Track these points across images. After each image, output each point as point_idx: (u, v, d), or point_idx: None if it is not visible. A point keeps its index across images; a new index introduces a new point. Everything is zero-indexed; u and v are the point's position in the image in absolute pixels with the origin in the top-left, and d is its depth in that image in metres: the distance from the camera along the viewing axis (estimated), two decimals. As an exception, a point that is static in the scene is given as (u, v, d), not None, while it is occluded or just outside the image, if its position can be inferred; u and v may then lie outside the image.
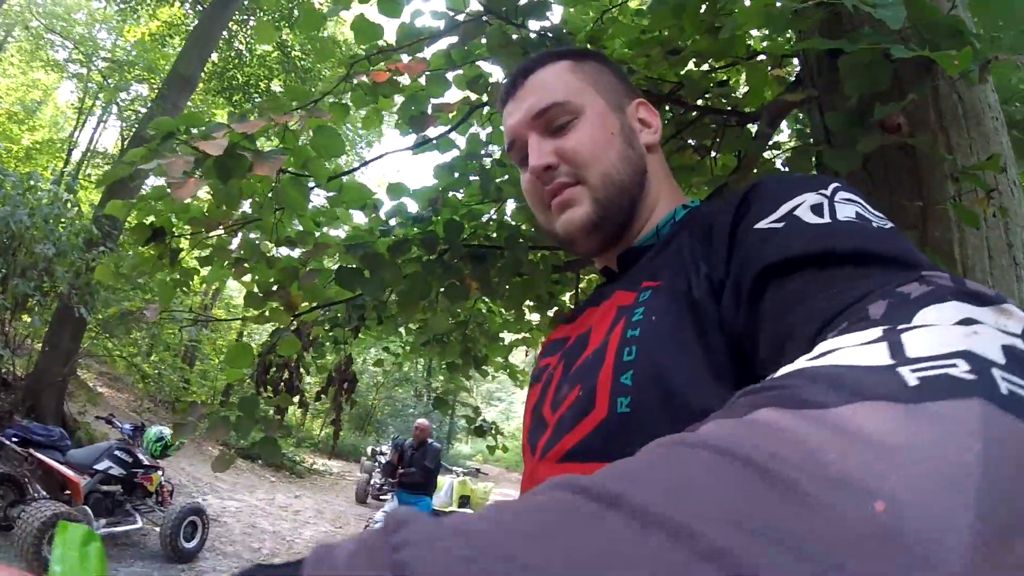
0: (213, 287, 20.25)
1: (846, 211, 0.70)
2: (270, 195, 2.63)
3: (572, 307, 4.19)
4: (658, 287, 0.87)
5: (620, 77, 1.11)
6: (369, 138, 24.33)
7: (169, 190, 1.85)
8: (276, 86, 17.19)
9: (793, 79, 2.81)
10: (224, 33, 14.81)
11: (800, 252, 0.67)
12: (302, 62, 16.68)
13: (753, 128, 3.00)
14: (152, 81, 15.79)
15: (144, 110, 14.51)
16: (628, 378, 0.80)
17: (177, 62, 12.43)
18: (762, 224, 0.75)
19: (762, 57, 3.07)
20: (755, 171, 3.06)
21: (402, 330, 5.18)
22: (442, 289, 3.03)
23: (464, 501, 10.39)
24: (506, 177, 3.10)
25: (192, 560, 7.70)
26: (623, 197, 1.00)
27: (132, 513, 7.41)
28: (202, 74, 13.34)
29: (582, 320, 1.06)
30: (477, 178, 3.18)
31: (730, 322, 0.75)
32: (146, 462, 7.61)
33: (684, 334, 0.79)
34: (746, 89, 3.10)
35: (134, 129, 14.28)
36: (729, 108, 3.02)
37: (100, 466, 7.11)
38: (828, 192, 0.75)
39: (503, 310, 4.53)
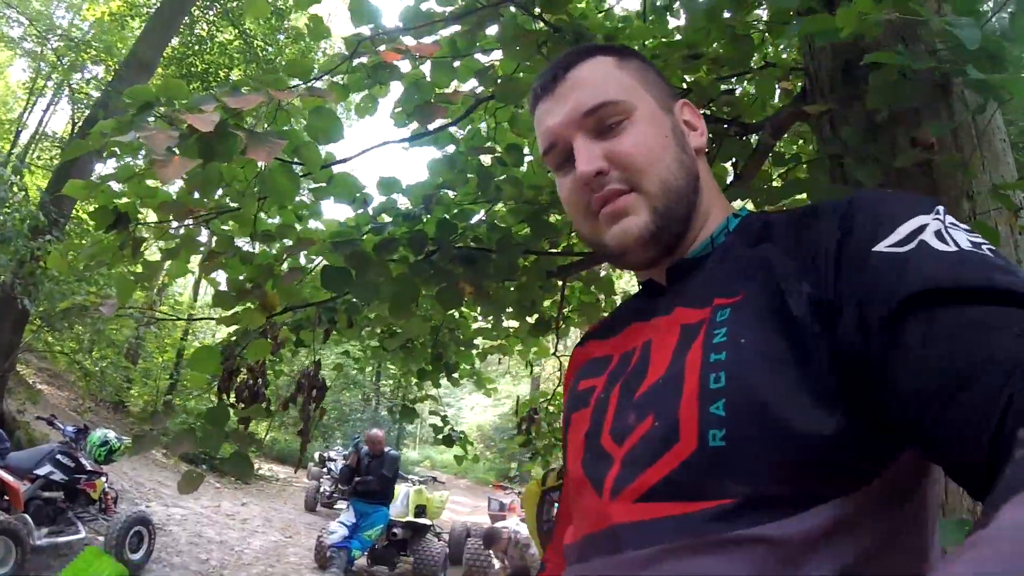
0: (159, 282, 19.71)
1: (961, 238, 0.70)
2: (253, 182, 2.40)
3: (553, 315, 4.06)
4: (738, 304, 0.81)
5: (662, 76, 1.04)
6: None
7: (153, 168, 1.62)
8: (235, 76, 16.81)
9: (798, 93, 2.76)
10: (186, 18, 14.44)
11: (942, 284, 0.65)
12: (263, 52, 16.34)
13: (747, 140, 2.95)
14: (109, 63, 15.25)
15: (98, 94, 14.02)
16: (719, 408, 0.74)
17: (136, 45, 12.04)
18: (883, 247, 0.72)
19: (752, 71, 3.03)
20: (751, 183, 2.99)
21: (363, 333, 5.01)
22: (431, 293, 2.86)
23: (420, 510, 10.14)
24: (503, 176, 2.92)
25: (138, 572, 7.34)
26: (681, 205, 0.93)
27: (75, 522, 7.00)
28: (160, 59, 12.93)
29: (625, 337, 1.00)
30: (472, 176, 2.99)
31: (848, 347, 0.70)
32: (89, 468, 7.21)
33: (779, 357, 0.74)
34: (754, 99, 3.04)
35: (86, 113, 13.79)
36: (730, 118, 2.95)
37: (41, 471, 6.70)
38: (941, 216, 0.73)
39: (480, 316, 4.38)
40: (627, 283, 8.32)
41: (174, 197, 2.56)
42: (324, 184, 2.66)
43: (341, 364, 7.52)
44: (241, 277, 2.77)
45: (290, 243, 2.76)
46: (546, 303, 4.04)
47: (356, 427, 24.07)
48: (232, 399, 3.39)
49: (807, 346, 0.73)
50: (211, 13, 16.77)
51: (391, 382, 26.52)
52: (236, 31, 16.75)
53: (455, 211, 2.99)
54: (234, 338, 3.44)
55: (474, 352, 4.89)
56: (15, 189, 9.99)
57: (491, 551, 8.80)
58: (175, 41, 14.97)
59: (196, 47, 16.67)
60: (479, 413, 34.75)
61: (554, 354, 5.04)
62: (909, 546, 0.75)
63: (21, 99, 20.46)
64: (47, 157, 18.33)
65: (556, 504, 4.26)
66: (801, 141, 3.70)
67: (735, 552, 0.69)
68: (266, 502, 14.25)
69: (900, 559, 0.72)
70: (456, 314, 4.70)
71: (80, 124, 13.74)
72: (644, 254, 0.94)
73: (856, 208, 0.78)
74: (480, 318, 4.69)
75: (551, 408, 5.78)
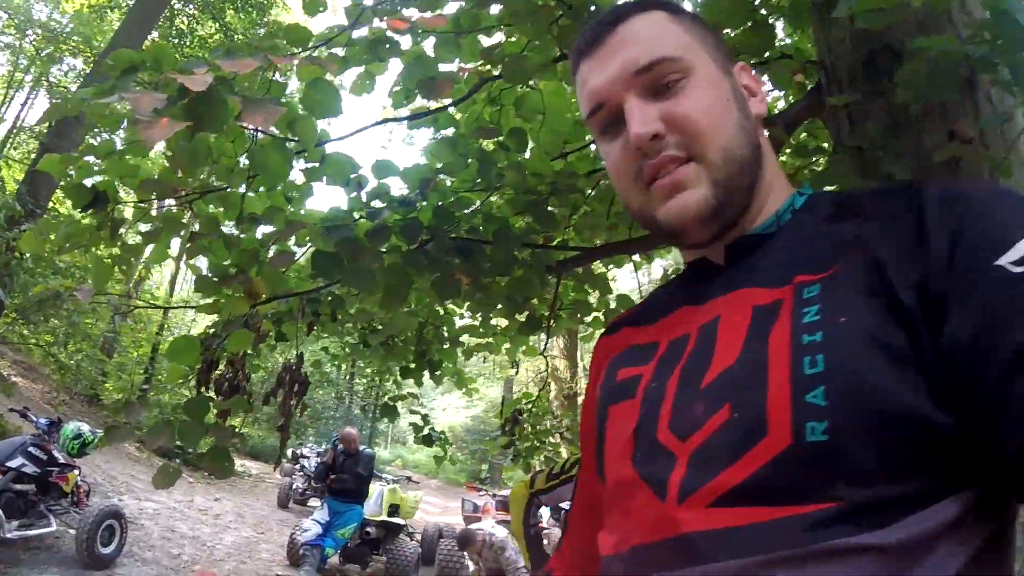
0: (135, 275, 19.49)
1: None
2: (243, 159, 2.25)
3: (544, 313, 3.94)
4: (829, 281, 0.71)
5: (718, 35, 0.94)
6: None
7: (137, 130, 1.48)
8: (213, 72, 16.70)
9: (812, 87, 2.69)
10: (166, 11, 14.34)
11: None
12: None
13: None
14: (87, 54, 15.03)
15: (75, 87, 13.82)
16: (819, 396, 0.64)
17: (115, 37, 11.94)
18: (1005, 263, 0.63)
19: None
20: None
21: (343, 328, 4.90)
22: (424, 285, 2.73)
23: (394, 510, 10.02)
24: (505, 163, 2.79)
25: (109, 566, 7.17)
26: (744, 177, 0.83)
27: (46, 515, 6.87)
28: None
29: (673, 321, 0.89)
30: (472, 161, 2.84)
31: (952, 354, 0.63)
32: (62, 460, 7.07)
33: (887, 340, 0.64)
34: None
35: (64, 104, 13.60)
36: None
37: (13, 463, 6.55)
38: None
39: (468, 311, 4.26)
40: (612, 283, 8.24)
41: (156, 176, 2.41)
42: (316, 164, 2.51)
43: (320, 360, 7.40)
44: (226, 263, 2.61)
45: (277, 228, 2.61)
46: (535, 300, 3.92)
47: (330, 425, 24.03)
48: (211, 392, 3.23)
49: (915, 334, 0.64)
50: (191, 6, 16.66)
51: (364, 381, 26.55)
52: (216, 25, 16.61)
53: (451, 199, 2.85)
54: (213, 330, 3.31)
55: (459, 350, 4.77)
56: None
57: (465, 553, 8.71)
58: (155, 34, 14.81)
59: (176, 40, 16.52)
60: (451, 414, 34.89)
61: (542, 354, 4.93)
62: (1006, 556, 0.67)
63: (-1, 92, 20.19)
64: (24, 151, 18.09)
65: (544, 507, 4.15)
66: (805, 134, 3.62)
67: (842, 563, 0.60)
68: (239, 498, 14.10)
69: (999, 570, 0.65)
70: (441, 311, 4.59)
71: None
72: (702, 232, 0.84)
73: (966, 203, 0.69)
74: (467, 314, 4.58)
75: (535, 410, 5.67)
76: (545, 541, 4.43)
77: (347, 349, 6.28)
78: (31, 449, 6.77)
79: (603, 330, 1.11)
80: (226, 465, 2.51)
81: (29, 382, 14.45)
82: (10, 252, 9.41)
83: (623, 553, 0.76)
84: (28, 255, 9.89)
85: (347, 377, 26.45)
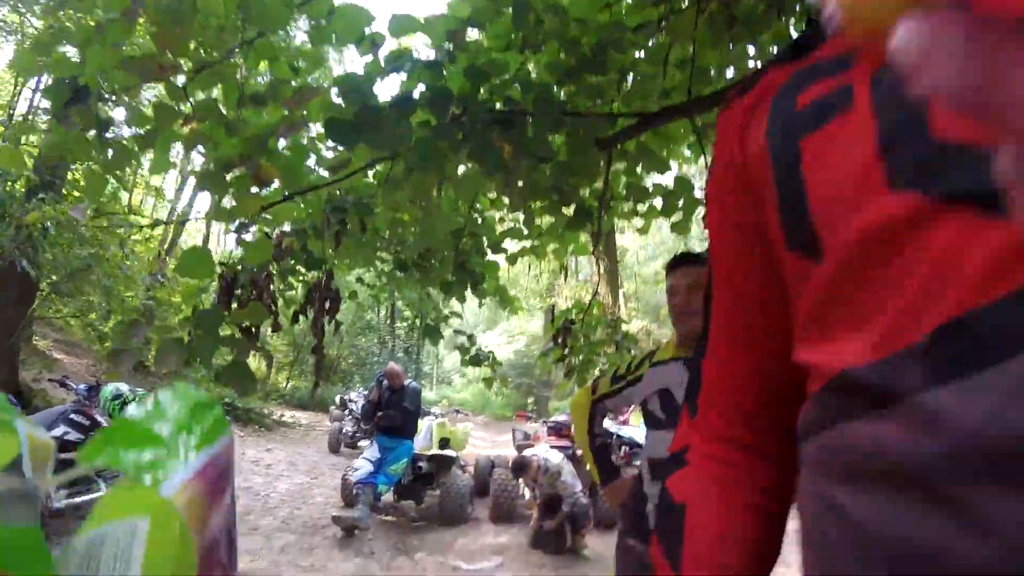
0: (167, 240, 19.45)
1: None
2: (237, 15, 1.89)
3: (594, 204, 3.56)
4: None
5: None
6: None
7: None
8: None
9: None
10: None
11: None
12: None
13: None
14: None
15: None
16: None
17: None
18: None
19: None
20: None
21: (377, 255, 4.59)
22: (458, 165, 2.36)
23: (444, 443, 9.85)
24: (543, 8, 2.37)
25: (162, 521, 7.09)
26: None
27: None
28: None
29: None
30: (503, 14, 2.42)
31: None
32: (105, 423, 6.91)
33: None
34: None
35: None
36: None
37: (56, 432, 6.39)
38: None
39: (508, 210, 3.87)
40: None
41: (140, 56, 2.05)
42: (323, 21, 2.12)
43: (355, 292, 7.13)
44: (235, 153, 2.25)
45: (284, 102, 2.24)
46: (584, 192, 3.51)
47: (374, 370, 24.29)
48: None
49: None
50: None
51: (405, 324, 26.78)
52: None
53: (483, 61, 2.43)
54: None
55: (504, 255, 4.42)
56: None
57: (520, 480, 8.53)
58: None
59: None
60: (494, 350, 35.17)
61: (593, 253, 4.56)
62: None
63: (8, 83, 19.99)
64: (38, 133, 17.91)
65: (608, 414, 3.85)
66: None
67: None
68: (290, 447, 14.11)
69: None
70: (479, 219, 4.25)
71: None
72: None
73: None
74: (507, 218, 4.23)
75: (587, 320, 5.35)
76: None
77: (383, 278, 5.99)
78: (73, 416, 6.63)
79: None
80: (247, 382, 2.19)
81: (73, 358, 14.53)
82: (31, 225, 9.25)
83: (917, 345, 0.42)
84: (51, 225, 9.73)
85: (387, 321, 26.86)
